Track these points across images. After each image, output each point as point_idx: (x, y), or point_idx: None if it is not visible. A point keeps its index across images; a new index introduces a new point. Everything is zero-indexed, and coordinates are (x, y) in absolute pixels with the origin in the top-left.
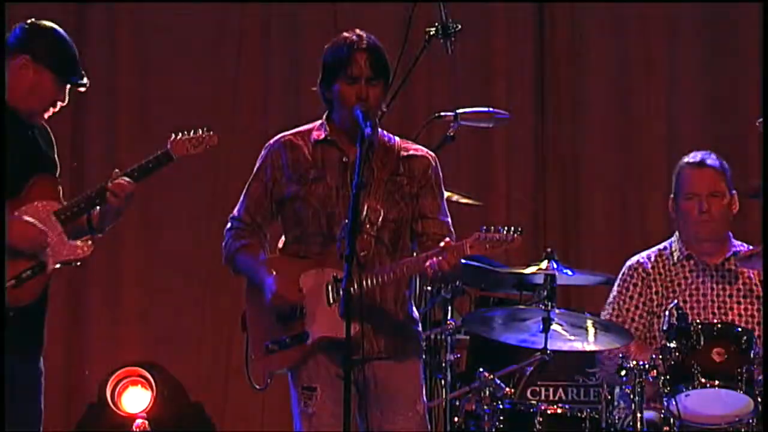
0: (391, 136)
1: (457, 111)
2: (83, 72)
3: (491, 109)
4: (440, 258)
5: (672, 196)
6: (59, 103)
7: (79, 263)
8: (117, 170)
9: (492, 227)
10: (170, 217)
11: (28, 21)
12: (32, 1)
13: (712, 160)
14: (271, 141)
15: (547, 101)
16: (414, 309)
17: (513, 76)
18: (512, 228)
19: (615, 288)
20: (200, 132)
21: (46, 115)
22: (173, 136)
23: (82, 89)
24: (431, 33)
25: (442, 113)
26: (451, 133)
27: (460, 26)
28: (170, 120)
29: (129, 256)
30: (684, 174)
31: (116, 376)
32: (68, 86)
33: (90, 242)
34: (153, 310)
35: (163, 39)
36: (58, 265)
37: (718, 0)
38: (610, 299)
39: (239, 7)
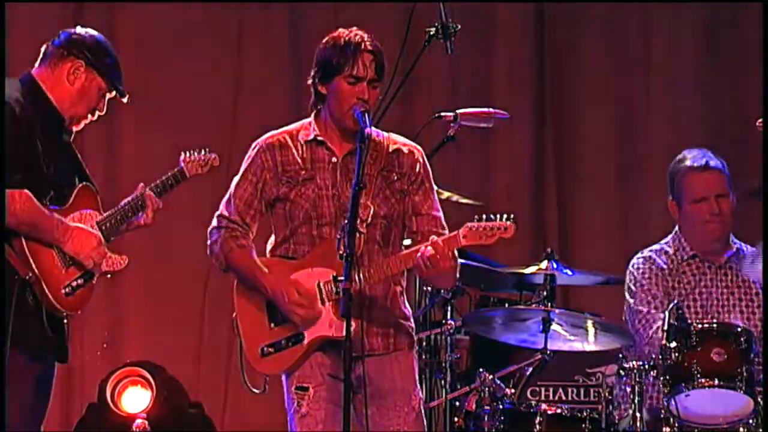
0: (379, 131)
1: (457, 111)
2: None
3: (491, 109)
4: (432, 250)
5: (671, 199)
6: (97, 113)
7: (111, 275)
8: (142, 184)
9: (484, 216)
10: (170, 216)
11: (77, 27)
12: (32, 0)
13: (714, 161)
14: (260, 140)
15: (547, 101)
16: (406, 305)
17: (513, 76)
18: (505, 216)
19: (636, 281)
20: (204, 152)
21: (83, 123)
22: (184, 155)
23: (124, 99)
24: (431, 33)
25: (442, 113)
26: (451, 133)
27: (460, 26)
28: (170, 120)
29: (129, 256)
30: (689, 179)
31: (116, 376)
32: (108, 96)
33: (125, 256)
34: (153, 310)
35: (163, 39)
36: (98, 275)
37: (719, 0)
38: (634, 292)
39: (239, 8)
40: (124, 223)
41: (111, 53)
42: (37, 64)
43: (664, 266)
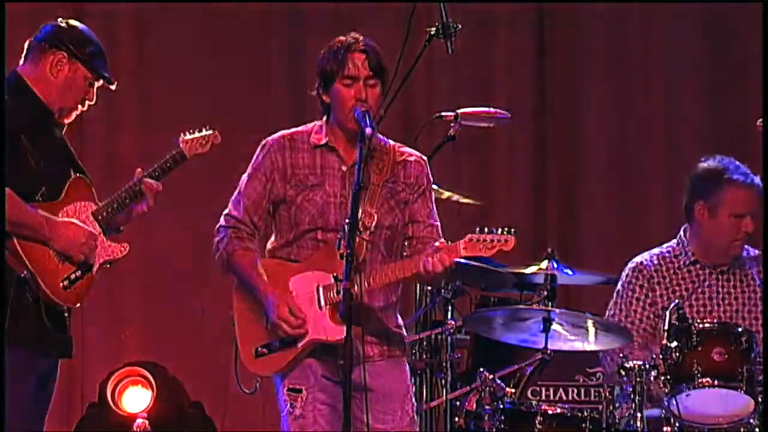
0: (386, 139)
1: (457, 111)
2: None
3: (491, 109)
4: (434, 258)
5: (702, 203)
6: (87, 103)
7: (112, 264)
8: (140, 170)
9: (486, 228)
10: (170, 216)
11: (59, 19)
12: (32, 0)
13: (757, 179)
14: (269, 139)
15: (547, 101)
16: (398, 315)
17: (513, 76)
18: (506, 229)
19: (619, 290)
20: (204, 131)
21: (73, 115)
22: (182, 135)
23: (112, 87)
24: (431, 33)
25: (442, 113)
26: (452, 133)
27: (460, 26)
28: (170, 120)
29: (128, 256)
30: (734, 192)
31: (116, 376)
32: (97, 85)
33: (126, 243)
34: (153, 310)
35: (163, 39)
36: (97, 266)
37: (719, 0)
38: (615, 300)
39: (239, 7)
40: (122, 210)
41: (93, 41)
42: (21, 62)
43: (655, 274)
